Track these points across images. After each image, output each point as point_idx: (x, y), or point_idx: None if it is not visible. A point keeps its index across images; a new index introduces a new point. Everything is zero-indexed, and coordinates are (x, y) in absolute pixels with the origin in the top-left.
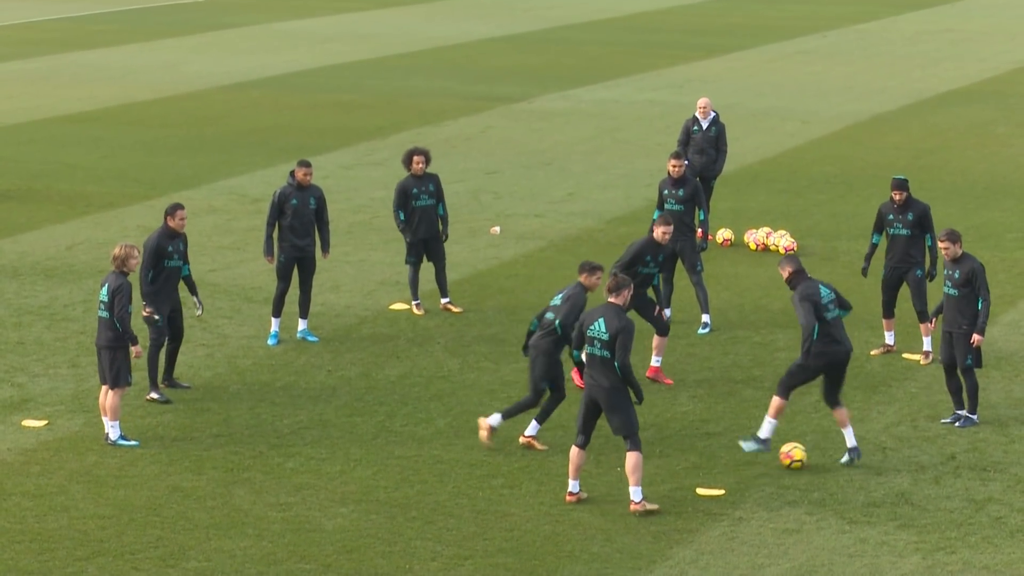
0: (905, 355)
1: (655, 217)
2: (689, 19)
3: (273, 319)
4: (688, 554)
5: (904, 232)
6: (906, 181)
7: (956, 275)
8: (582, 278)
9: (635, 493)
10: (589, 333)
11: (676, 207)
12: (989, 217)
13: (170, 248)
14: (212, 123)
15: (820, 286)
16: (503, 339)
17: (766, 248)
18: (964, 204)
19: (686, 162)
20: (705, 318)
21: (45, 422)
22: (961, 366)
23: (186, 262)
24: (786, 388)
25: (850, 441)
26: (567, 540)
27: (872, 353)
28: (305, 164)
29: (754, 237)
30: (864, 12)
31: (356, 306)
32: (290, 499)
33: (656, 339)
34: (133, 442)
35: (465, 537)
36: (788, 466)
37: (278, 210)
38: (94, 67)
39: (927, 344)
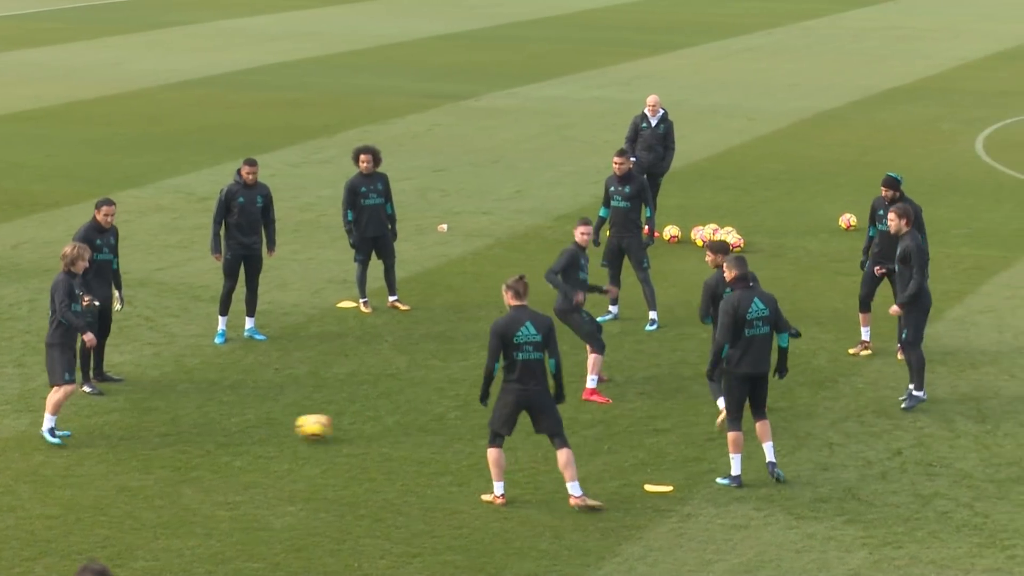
0: (850, 351)
1: (601, 214)
2: (636, 16)
3: (220, 317)
4: (636, 550)
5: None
6: (896, 180)
7: (898, 251)
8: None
9: (574, 488)
10: (518, 340)
11: (623, 204)
12: (935, 214)
13: (98, 241)
14: (158, 122)
15: (756, 299)
16: (451, 336)
17: None
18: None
19: (633, 159)
20: (652, 315)
21: None
22: (899, 340)
23: (116, 256)
24: (732, 419)
25: (769, 455)
26: (516, 537)
27: (850, 352)
28: (251, 162)
29: (701, 234)
30: (810, 9)
31: (304, 304)
32: (238, 498)
33: (591, 357)
34: (55, 440)
35: (414, 535)
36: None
37: (225, 208)
38: (39, 65)
39: (865, 334)
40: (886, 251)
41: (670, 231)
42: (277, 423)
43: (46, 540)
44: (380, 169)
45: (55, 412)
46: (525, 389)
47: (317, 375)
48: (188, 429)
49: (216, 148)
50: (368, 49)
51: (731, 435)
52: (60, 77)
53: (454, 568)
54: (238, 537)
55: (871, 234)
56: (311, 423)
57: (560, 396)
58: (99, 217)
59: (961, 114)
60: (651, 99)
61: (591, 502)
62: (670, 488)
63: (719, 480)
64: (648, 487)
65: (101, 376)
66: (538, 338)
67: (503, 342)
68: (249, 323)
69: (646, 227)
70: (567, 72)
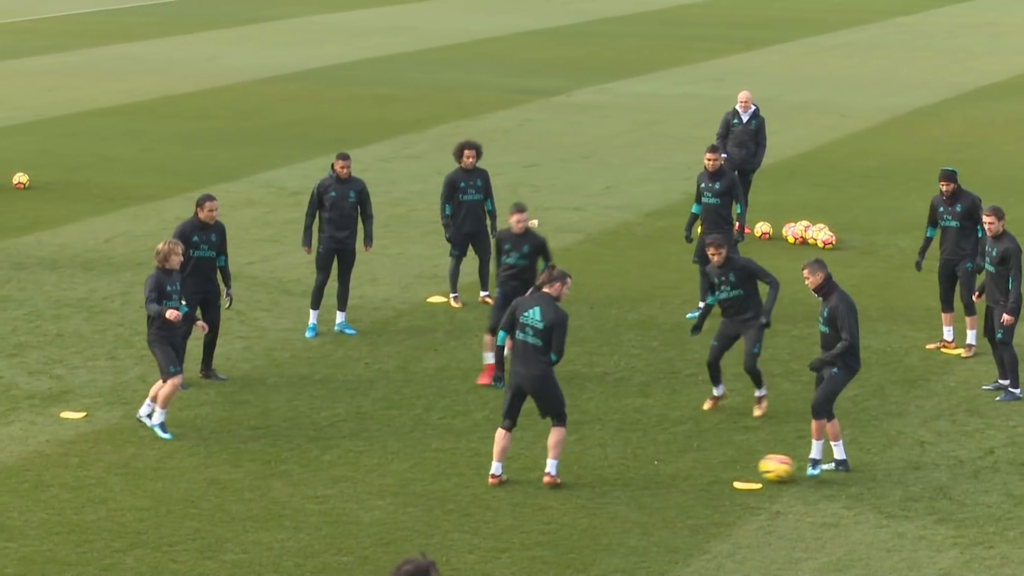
0: (944, 349)
1: (694, 211)
2: (727, 12)
3: (311, 311)
4: (725, 548)
5: (954, 224)
6: (954, 172)
7: (994, 252)
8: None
9: (552, 466)
10: (523, 320)
11: (713, 200)
12: None
13: (196, 238)
14: (250, 116)
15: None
16: None
17: (804, 242)
18: (1004, 198)
19: (723, 155)
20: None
21: (83, 414)
22: (989, 337)
23: (221, 253)
24: (828, 408)
25: (818, 453)
26: (604, 533)
27: (928, 347)
28: (343, 157)
29: (792, 231)
30: (903, 5)
31: (394, 299)
32: (327, 492)
33: (487, 337)
34: (166, 435)
35: (502, 530)
36: (772, 478)
37: (317, 202)
38: (133, 59)
39: (971, 337)
40: (950, 247)
41: (762, 228)
42: (366, 417)
43: (136, 532)
44: (481, 165)
45: (164, 406)
46: (521, 372)
47: (406, 369)
48: (278, 423)
49: (308, 143)
50: (459, 44)
51: (820, 424)
52: (154, 71)
53: (542, 563)
54: (327, 531)
55: (929, 234)
56: (774, 465)
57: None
58: (202, 215)
59: None
60: (742, 95)
61: (558, 480)
62: (759, 485)
63: (810, 471)
64: (737, 484)
65: (207, 372)
66: (540, 325)
67: (512, 316)
68: (340, 317)
69: (737, 224)
70: (657, 68)
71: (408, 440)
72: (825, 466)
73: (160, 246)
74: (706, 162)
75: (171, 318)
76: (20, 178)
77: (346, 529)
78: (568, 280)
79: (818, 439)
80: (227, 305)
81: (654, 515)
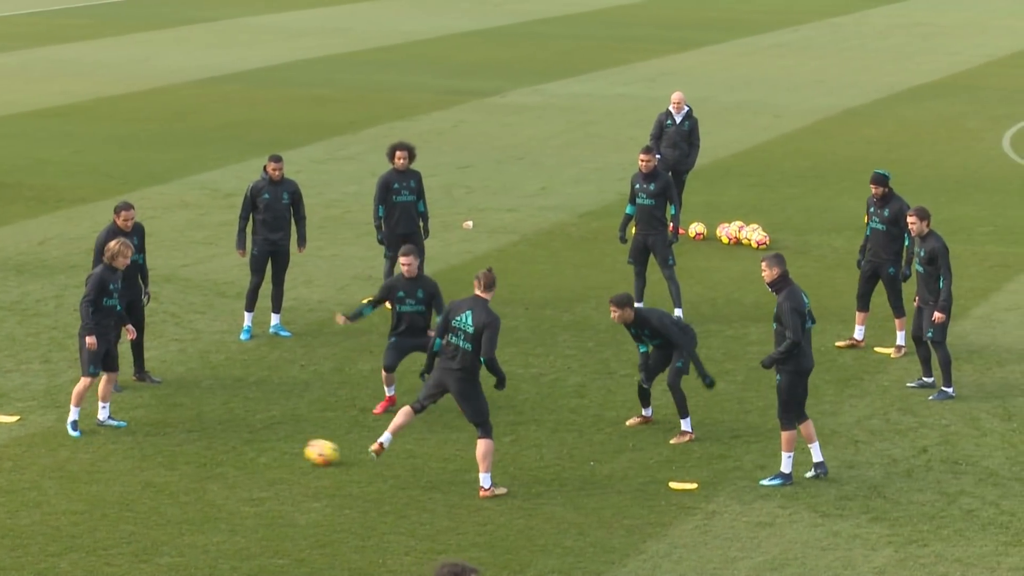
0: (877, 348)
1: (628, 211)
2: (661, 13)
3: (246, 313)
4: (661, 548)
5: (880, 227)
6: (884, 176)
7: (922, 253)
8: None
9: (485, 480)
10: (454, 324)
11: (647, 201)
12: (961, 211)
13: None
14: (184, 118)
15: (802, 294)
16: None
17: (738, 242)
18: (936, 198)
19: (657, 156)
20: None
21: (17, 417)
22: (927, 338)
23: (141, 252)
24: (790, 417)
25: (816, 456)
26: (540, 534)
27: (837, 344)
28: (276, 159)
29: (726, 231)
30: (836, 6)
31: (329, 300)
32: (263, 494)
33: (384, 374)
34: (76, 433)
35: (438, 531)
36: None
37: (251, 204)
38: (65, 62)
39: (900, 338)
40: (877, 250)
41: (696, 228)
42: (302, 419)
43: (71, 536)
44: (415, 167)
45: (76, 403)
46: (447, 369)
47: (342, 371)
48: (213, 425)
49: (242, 144)
50: (394, 45)
51: (789, 434)
52: (87, 73)
53: (479, 565)
54: (263, 533)
55: (868, 233)
56: (314, 452)
57: (499, 384)
58: (119, 222)
59: (987, 111)
60: (675, 96)
61: (498, 491)
62: (695, 485)
63: (763, 482)
64: (673, 484)
65: (141, 375)
66: (470, 329)
67: (446, 320)
68: (275, 319)
69: (671, 224)
70: (592, 69)
71: (343, 442)
72: (766, 481)
73: (112, 244)
74: (640, 163)
75: (88, 346)
76: None
77: (282, 532)
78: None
79: (788, 451)
80: (146, 302)
81: (590, 515)
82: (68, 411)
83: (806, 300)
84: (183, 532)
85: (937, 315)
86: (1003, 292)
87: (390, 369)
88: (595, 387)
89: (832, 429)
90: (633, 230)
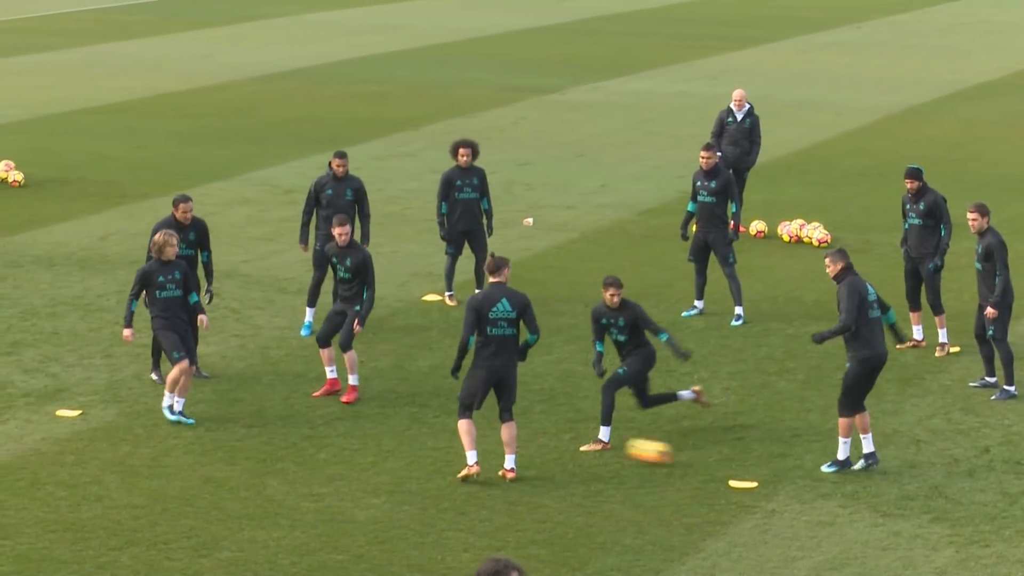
0: (899, 347)
1: (689, 209)
2: (722, 10)
3: (308, 309)
4: (720, 546)
5: (917, 222)
6: (918, 170)
7: (979, 249)
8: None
9: (510, 461)
10: (492, 315)
11: (708, 199)
12: (1022, 210)
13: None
14: (245, 114)
15: (866, 284)
16: None
17: (799, 240)
18: (997, 196)
19: (718, 153)
20: (738, 310)
21: (79, 412)
22: (979, 335)
23: (205, 248)
24: (849, 403)
25: (867, 447)
26: (599, 532)
27: (899, 347)
28: (341, 155)
29: (787, 229)
30: (898, 3)
31: (389, 297)
32: (323, 490)
33: (323, 352)
34: (173, 417)
35: (497, 528)
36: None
37: (314, 199)
38: (128, 58)
39: (942, 336)
40: (916, 246)
41: (756, 226)
42: (361, 416)
43: (132, 530)
44: (479, 164)
45: (171, 389)
46: (496, 365)
47: (401, 368)
48: (273, 421)
49: (302, 141)
50: (454, 43)
51: (860, 419)
52: (149, 70)
53: (537, 562)
54: (322, 529)
55: (906, 228)
56: (648, 450)
57: (522, 356)
58: (177, 215)
59: None
60: (737, 93)
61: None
62: (755, 484)
63: (824, 468)
64: (733, 483)
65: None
66: (512, 314)
67: (478, 317)
68: None
69: (731, 222)
70: (652, 66)
71: (403, 438)
72: (826, 467)
73: (156, 237)
74: (701, 161)
75: (125, 338)
76: (15, 176)
77: (341, 527)
78: (506, 264)
79: (845, 437)
80: (208, 300)
81: (649, 513)
82: (128, 405)
83: (871, 289)
84: (243, 527)
85: (990, 310)
86: None
87: (323, 343)
88: (654, 384)
89: (894, 429)
90: (694, 227)
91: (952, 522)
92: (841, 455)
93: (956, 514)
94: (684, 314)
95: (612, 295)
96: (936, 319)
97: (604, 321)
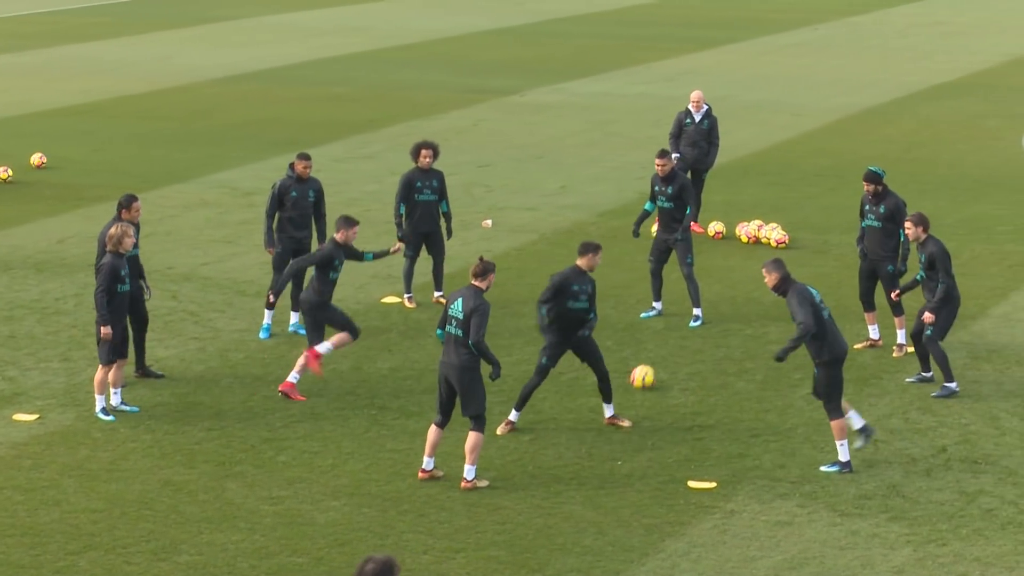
0: (857, 346)
1: (646, 208)
2: (680, 12)
3: (267, 311)
4: (680, 547)
5: (876, 224)
6: (876, 174)
7: (922, 258)
8: (582, 261)
9: (469, 472)
10: (450, 313)
11: (666, 204)
12: (980, 210)
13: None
14: (204, 116)
15: (809, 288)
16: (495, 332)
17: (758, 241)
18: (955, 197)
19: (675, 156)
20: (696, 311)
21: (36, 416)
22: (915, 335)
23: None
24: (836, 405)
25: (858, 423)
26: (559, 533)
27: (856, 347)
28: (305, 157)
29: (746, 230)
30: (855, 5)
31: (348, 299)
32: (282, 493)
33: (339, 336)
34: (109, 418)
35: (457, 530)
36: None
37: (278, 202)
38: (86, 60)
39: (900, 337)
40: (874, 247)
41: (715, 227)
42: (321, 418)
43: (90, 534)
44: (437, 166)
45: (101, 391)
46: (447, 363)
47: (361, 370)
48: (232, 423)
49: (261, 143)
50: (414, 44)
51: (839, 423)
52: (108, 72)
53: (497, 563)
54: (282, 532)
55: (864, 229)
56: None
57: (494, 371)
58: (129, 215)
59: (1006, 110)
60: (695, 95)
61: (480, 483)
62: (714, 484)
63: (824, 468)
64: (692, 483)
65: (143, 371)
66: (460, 316)
67: (445, 313)
68: (294, 318)
69: (685, 224)
70: (611, 68)
71: (363, 441)
72: (825, 467)
73: (112, 230)
74: (656, 168)
75: (104, 337)
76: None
77: (301, 530)
78: (493, 272)
79: (841, 439)
80: (147, 297)
81: (609, 514)
82: (87, 409)
83: (815, 292)
84: (202, 530)
85: (927, 315)
86: (1022, 291)
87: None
88: (613, 386)
89: (851, 428)
90: (653, 229)
91: (910, 521)
92: (843, 457)
93: (914, 513)
94: (643, 315)
95: (598, 256)
96: (895, 320)
97: (578, 287)
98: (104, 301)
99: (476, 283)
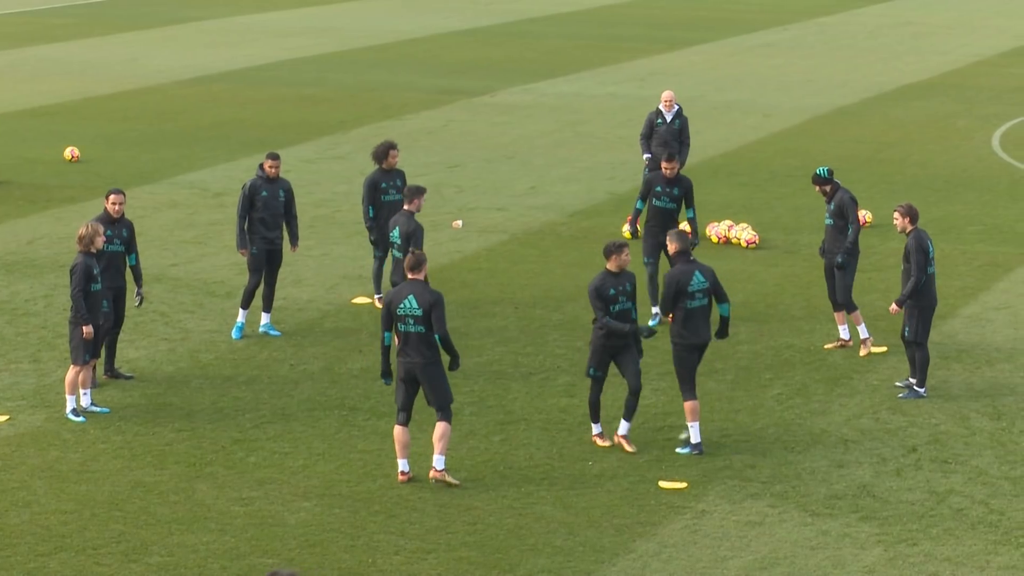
0: (827, 346)
1: (638, 206)
2: (650, 12)
3: (241, 311)
4: (651, 547)
5: (829, 221)
6: (820, 176)
7: (904, 250)
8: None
9: (439, 461)
10: (400, 312)
11: (669, 205)
12: (950, 210)
13: (108, 232)
14: (173, 117)
15: (696, 272)
16: (465, 332)
17: (728, 241)
18: (925, 197)
19: (647, 156)
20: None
21: (6, 417)
22: (903, 336)
23: (132, 251)
24: (689, 388)
25: (695, 437)
26: (530, 533)
27: (826, 347)
28: (274, 156)
29: (716, 230)
30: (825, 6)
31: (319, 300)
32: (253, 494)
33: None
34: (79, 419)
35: (428, 531)
36: None
37: (249, 203)
38: (54, 61)
39: (862, 331)
40: (829, 244)
41: (685, 227)
42: (292, 419)
43: (61, 535)
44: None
45: (72, 391)
46: (409, 360)
47: (331, 371)
48: (203, 424)
49: (231, 144)
50: (384, 45)
51: (689, 405)
52: (75, 73)
53: (468, 564)
54: (252, 532)
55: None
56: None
57: (454, 363)
58: (107, 207)
59: (976, 110)
60: (666, 95)
61: (450, 479)
62: (685, 485)
63: (679, 450)
64: (663, 484)
65: (112, 372)
66: (419, 312)
67: (388, 313)
68: (264, 319)
69: (688, 228)
70: (581, 68)
71: (333, 441)
72: (681, 450)
73: (81, 230)
74: (664, 170)
75: (85, 336)
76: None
77: (272, 531)
78: (425, 261)
79: (693, 421)
80: (137, 303)
81: (580, 515)
82: (57, 411)
83: (697, 279)
84: (172, 531)
85: (893, 307)
86: (992, 291)
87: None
88: (585, 386)
89: (822, 428)
90: (640, 228)
91: (880, 521)
92: (695, 438)
93: (884, 513)
94: (651, 323)
95: (627, 255)
96: (850, 316)
97: (629, 287)
98: (82, 300)
99: (415, 276)
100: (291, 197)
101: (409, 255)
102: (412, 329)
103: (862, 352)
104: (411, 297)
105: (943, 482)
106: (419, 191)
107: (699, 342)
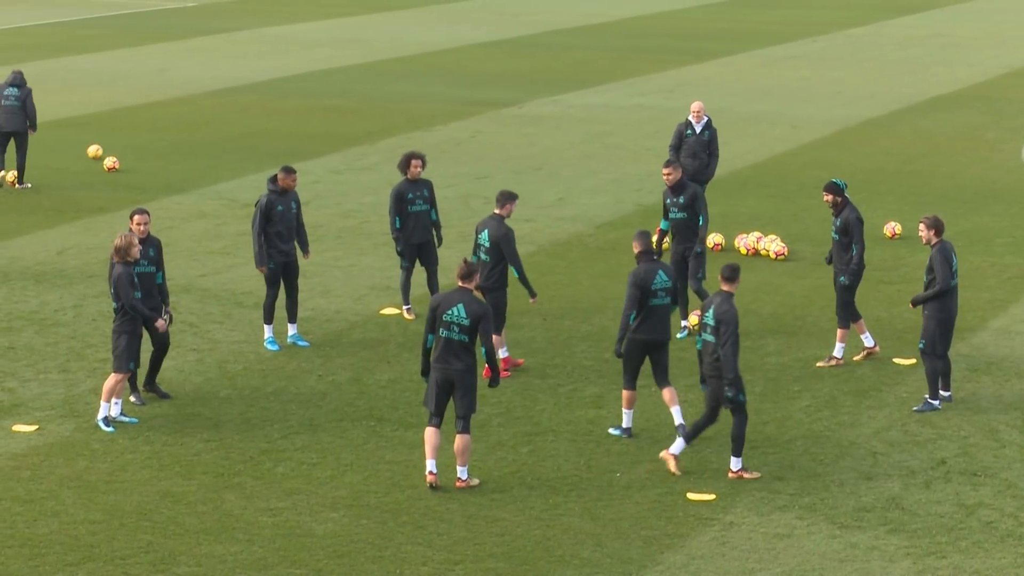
0: (895, 360)
1: (662, 227)
2: (679, 24)
3: (266, 326)
4: (679, 559)
5: (835, 237)
6: (834, 185)
7: (928, 262)
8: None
9: (463, 472)
10: (446, 318)
11: (680, 215)
12: (979, 222)
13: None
14: (201, 128)
15: (660, 272)
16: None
17: (756, 253)
18: (954, 209)
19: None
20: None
21: (35, 427)
22: (919, 347)
23: (160, 269)
24: (628, 378)
25: (677, 419)
26: (557, 545)
27: (855, 359)
28: (290, 170)
29: (744, 242)
30: (854, 17)
31: (346, 311)
32: (280, 504)
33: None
34: (109, 428)
35: (455, 542)
36: None
37: (265, 218)
38: (84, 72)
39: (838, 350)
40: (834, 259)
41: (714, 239)
42: (320, 429)
43: (89, 545)
44: (424, 176)
45: (108, 399)
46: (448, 367)
47: (359, 382)
48: (231, 435)
49: (259, 155)
50: (411, 56)
51: (626, 393)
52: (105, 84)
53: (496, 575)
54: (280, 543)
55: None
56: None
57: (495, 380)
58: (132, 227)
59: (1005, 122)
60: (695, 106)
61: (472, 482)
62: (713, 496)
63: (611, 430)
64: (691, 495)
65: (152, 387)
66: (466, 321)
67: (434, 317)
68: (292, 329)
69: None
70: (609, 80)
71: (361, 452)
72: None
73: (117, 241)
74: (664, 177)
75: (159, 328)
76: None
77: (299, 542)
78: (477, 271)
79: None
80: (168, 321)
81: (607, 526)
82: (86, 420)
83: (661, 278)
84: (200, 542)
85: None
86: (1021, 304)
87: None
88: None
89: (850, 440)
90: (667, 245)
91: (909, 533)
92: (627, 423)
93: (913, 525)
94: (678, 336)
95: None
96: (838, 332)
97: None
98: (138, 304)
99: (466, 285)
100: (299, 208)
101: (462, 263)
102: (456, 337)
103: (820, 363)
104: (460, 306)
105: (972, 495)
106: (511, 196)
107: (654, 339)
